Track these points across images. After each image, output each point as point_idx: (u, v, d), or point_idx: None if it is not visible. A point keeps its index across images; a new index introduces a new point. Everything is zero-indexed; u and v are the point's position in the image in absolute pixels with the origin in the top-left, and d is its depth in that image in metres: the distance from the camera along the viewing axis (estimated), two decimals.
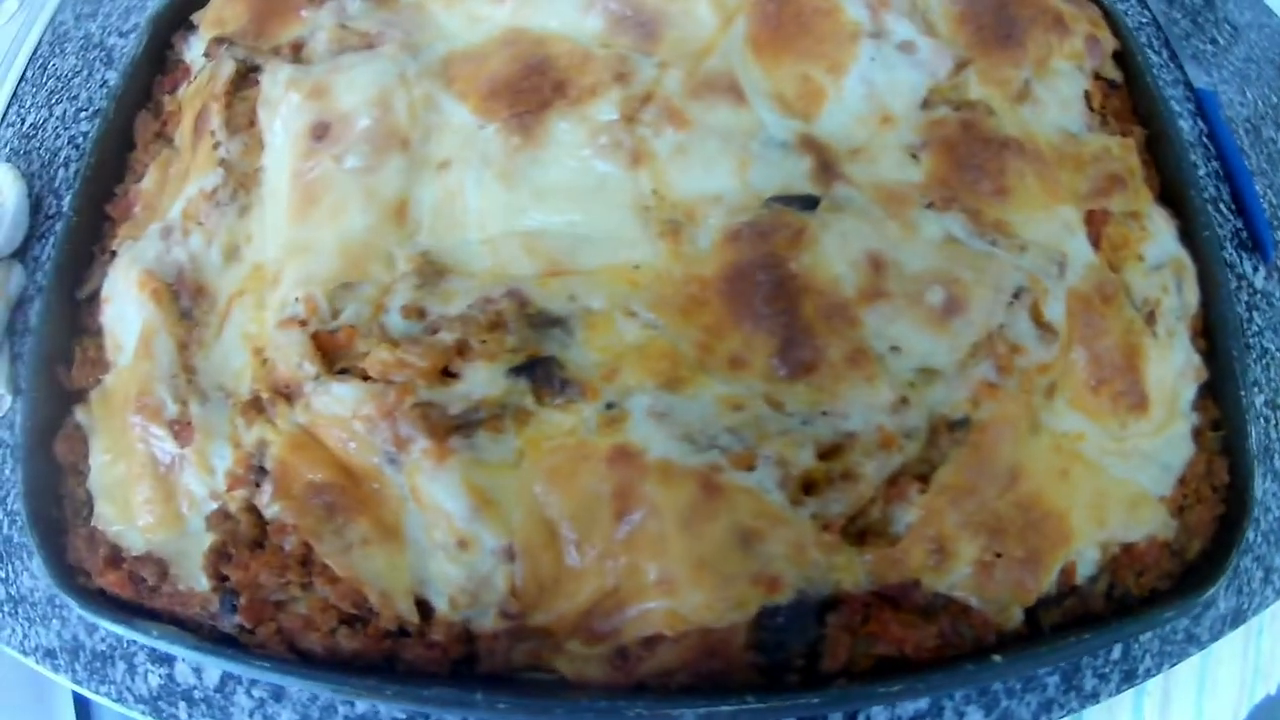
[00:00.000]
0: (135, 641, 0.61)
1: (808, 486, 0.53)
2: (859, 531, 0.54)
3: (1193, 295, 0.65)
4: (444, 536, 0.52)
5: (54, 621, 0.66)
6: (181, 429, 0.58)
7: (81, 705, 0.92)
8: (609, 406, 0.53)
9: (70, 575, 0.59)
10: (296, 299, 0.58)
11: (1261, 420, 0.71)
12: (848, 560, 0.53)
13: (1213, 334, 0.65)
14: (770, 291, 0.55)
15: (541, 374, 0.54)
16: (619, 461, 0.51)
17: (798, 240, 0.57)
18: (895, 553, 0.53)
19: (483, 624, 0.53)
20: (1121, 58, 0.73)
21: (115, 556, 0.59)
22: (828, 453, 0.54)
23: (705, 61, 0.63)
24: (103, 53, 0.86)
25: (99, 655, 0.65)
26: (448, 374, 0.55)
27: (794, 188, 0.59)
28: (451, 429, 0.54)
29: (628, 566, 0.51)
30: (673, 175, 0.59)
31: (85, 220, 0.69)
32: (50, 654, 0.65)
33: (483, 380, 0.54)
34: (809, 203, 0.59)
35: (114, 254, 0.67)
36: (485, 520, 0.52)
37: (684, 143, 0.60)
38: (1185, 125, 0.80)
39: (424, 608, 0.53)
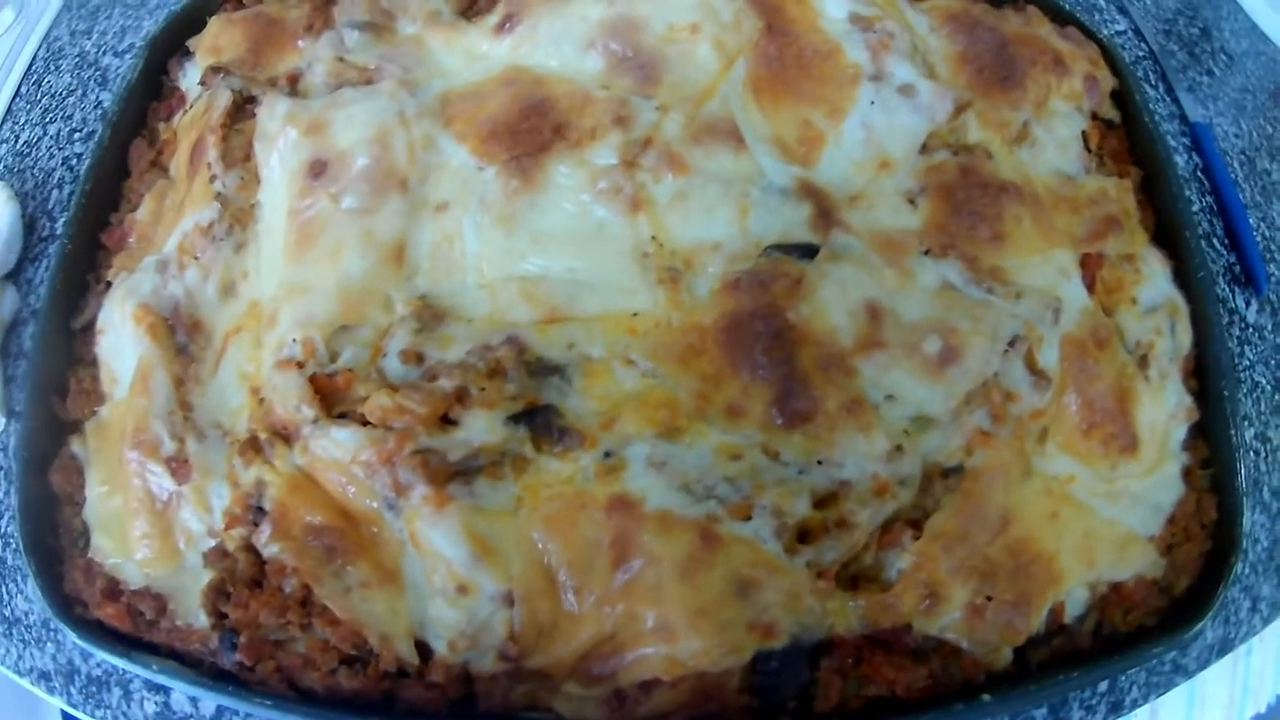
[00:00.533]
0: None
1: (803, 535, 0.54)
2: (851, 577, 0.55)
3: (1186, 337, 0.66)
4: (443, 582, 0.53)
5: (49, 645, 0.66)
6: (179, 466, 0.59)
7: None
8: (607, 455, 0.54)
9: (67, 605, 0.59)
10: (294, 340, 0.58)
11: (1251, 454, 0.72)
12: (841, 606, 0.54)
13: (1205, 375, 0.66)
14: (768, 341, 0.55)
15: (540, 422, 0.54)
16: (617, 511, 0.52)
17: (796, 290, 0.57)
18: (888, 598, 0.54)
19: (481, 666, 0.53)
20: (1119, 96, 0.73)
21: (113, 589, 0.59)
22: (823, 501, 0.55)
23: (705, 105, 0.62)
24: (98, 72, 0.85)
25: (94, 680, 0.65)
26: (447, 421, 0.55)
27: (793, 235, 0.59)
28: (451, 476, 0.54)
29: (625, 613, 0.51)
30: (672, 222, 0.59)
31: (80, 248, 0.68)
32: (45, 676, 0.65)
33: (482, 428, 0.54)
34: (808, 251, 0.59)
35: (108, 284, 0.67)
36: (485, 566, 0.52)
37: (684, 189, 0.60)
38: (1180, 160, 0.81)
39: (423, 650, 0.54)
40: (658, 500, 0.52)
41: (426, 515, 0.53)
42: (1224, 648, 0.68)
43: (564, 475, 0.54)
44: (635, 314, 0.57)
